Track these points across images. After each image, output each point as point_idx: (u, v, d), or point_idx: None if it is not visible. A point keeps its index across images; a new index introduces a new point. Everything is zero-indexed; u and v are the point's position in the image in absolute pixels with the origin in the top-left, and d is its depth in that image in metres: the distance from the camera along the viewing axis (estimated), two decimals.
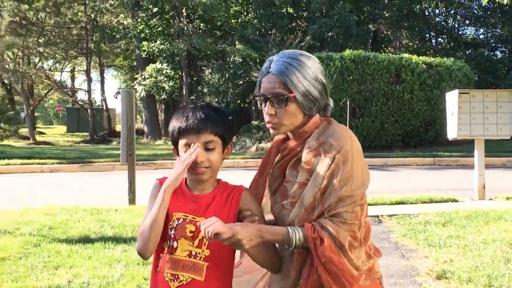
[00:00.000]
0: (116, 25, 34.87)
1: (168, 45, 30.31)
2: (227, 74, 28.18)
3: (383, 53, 23.77)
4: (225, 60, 29.37)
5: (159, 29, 31.64)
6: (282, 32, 26.44)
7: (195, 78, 31.61)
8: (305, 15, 30.68)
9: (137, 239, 2.64)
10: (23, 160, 19.05)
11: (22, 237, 7.89)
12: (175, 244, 2.67)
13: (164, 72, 31.14)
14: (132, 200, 10.54)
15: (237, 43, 28.73)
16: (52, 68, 45.40)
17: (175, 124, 2.71)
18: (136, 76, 34.65)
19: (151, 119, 35.94)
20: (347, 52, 21.21)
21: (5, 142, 29.91)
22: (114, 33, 33.94)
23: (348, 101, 10.17)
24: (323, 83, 2.58)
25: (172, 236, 2.68)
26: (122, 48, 37.82)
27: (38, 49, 35.65)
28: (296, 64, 2.54)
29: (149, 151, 23.23)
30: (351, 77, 20.81)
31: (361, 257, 2.48)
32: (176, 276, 2.66)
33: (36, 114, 63.10)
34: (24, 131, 35.94)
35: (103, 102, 39.45)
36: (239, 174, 17.05)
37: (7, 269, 6.44)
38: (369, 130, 21.34)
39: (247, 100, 30.22)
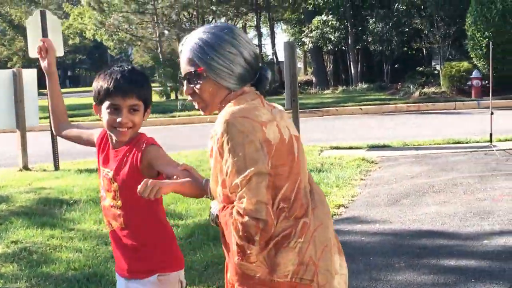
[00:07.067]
0: None
1: None
2: (390, 23, 28.54)
3: None
4: (390, 8, 29.62)
5: None
6: None
7: (360, 28, 32.06)
8: None
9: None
10: None
11: None
12: (104, 194, 2.94)
13: (329, 23, 31.78)
14: None
15: None
16: None
17: (102, 84, 2.78)
18: (303, 29, 35.57)
19: (318, 69, 36.84)
20: None
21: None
22: None
23: None
24: (233, 53, 2.41)
25: (101, 187, 2.94)
26: (290, 2, 38.87)
27: (211, 7, 37.47)
28: (201, 37, 2.45)
29: (316, 100, 24.31)
30: None
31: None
32: (109, 222, 2.93)
33: None
34: None
35: (274, 56, 40.92)
36: (401, 118, 17.78)
37: None
38: None
39: (414, 47, 30.28)
